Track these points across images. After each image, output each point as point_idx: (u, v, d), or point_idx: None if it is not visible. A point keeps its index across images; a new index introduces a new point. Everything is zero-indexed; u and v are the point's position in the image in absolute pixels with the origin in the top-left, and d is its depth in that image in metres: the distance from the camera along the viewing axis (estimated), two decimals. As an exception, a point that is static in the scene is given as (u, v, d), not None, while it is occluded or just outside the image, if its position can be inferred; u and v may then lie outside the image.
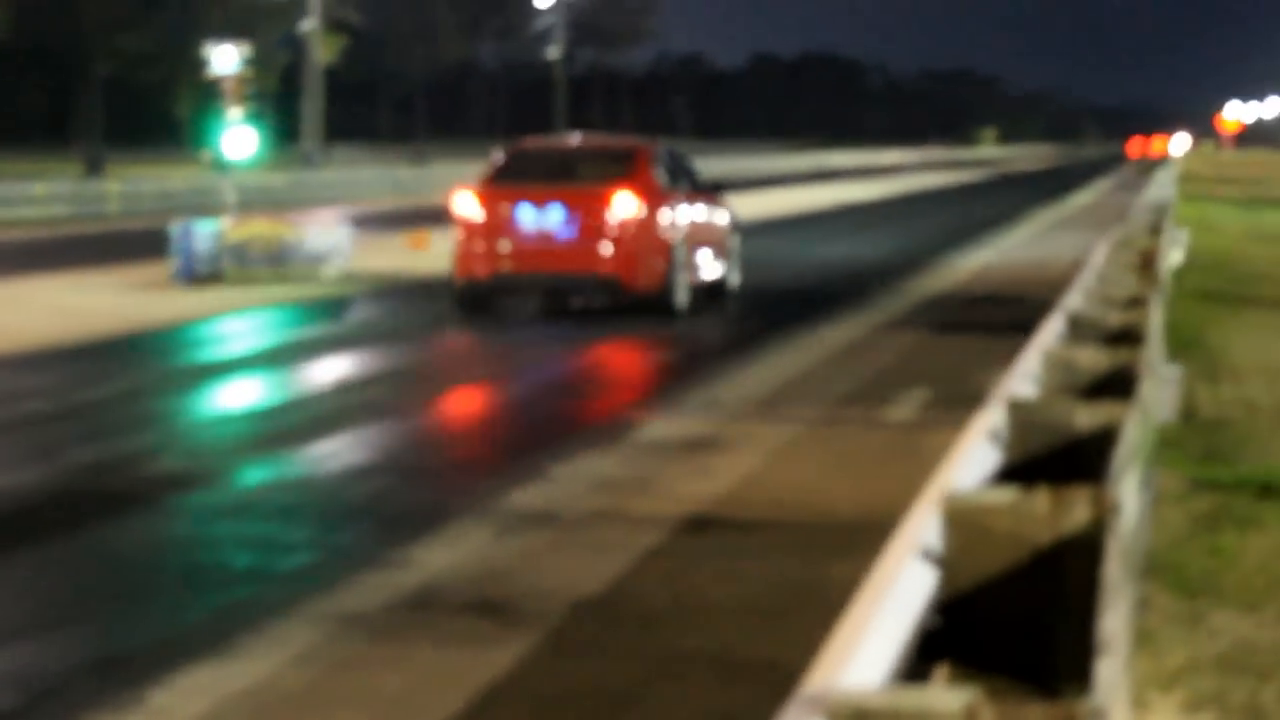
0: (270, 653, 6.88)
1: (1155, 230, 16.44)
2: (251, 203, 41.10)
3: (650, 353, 17.28)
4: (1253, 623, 6.97)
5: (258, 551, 8.71)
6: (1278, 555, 8.08)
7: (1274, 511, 8.97)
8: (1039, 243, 34.17)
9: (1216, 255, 28.77)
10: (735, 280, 22.35)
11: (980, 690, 2.45)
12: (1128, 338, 6.91)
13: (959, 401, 12.22)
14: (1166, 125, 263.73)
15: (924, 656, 3.10)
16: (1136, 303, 8.10)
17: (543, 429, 12.32)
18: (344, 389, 14.46)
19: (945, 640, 3.24)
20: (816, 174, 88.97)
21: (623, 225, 19.33)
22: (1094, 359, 5.95)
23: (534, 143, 22.41)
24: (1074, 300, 8.03)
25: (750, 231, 23.51)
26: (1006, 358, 8.19)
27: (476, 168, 76.13)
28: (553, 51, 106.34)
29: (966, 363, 15.09)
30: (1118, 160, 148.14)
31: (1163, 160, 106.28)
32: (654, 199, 19.70)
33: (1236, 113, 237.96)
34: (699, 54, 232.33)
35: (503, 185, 19.93)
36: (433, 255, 28.74)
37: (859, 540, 8.21)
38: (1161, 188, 38.03)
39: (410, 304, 21.78)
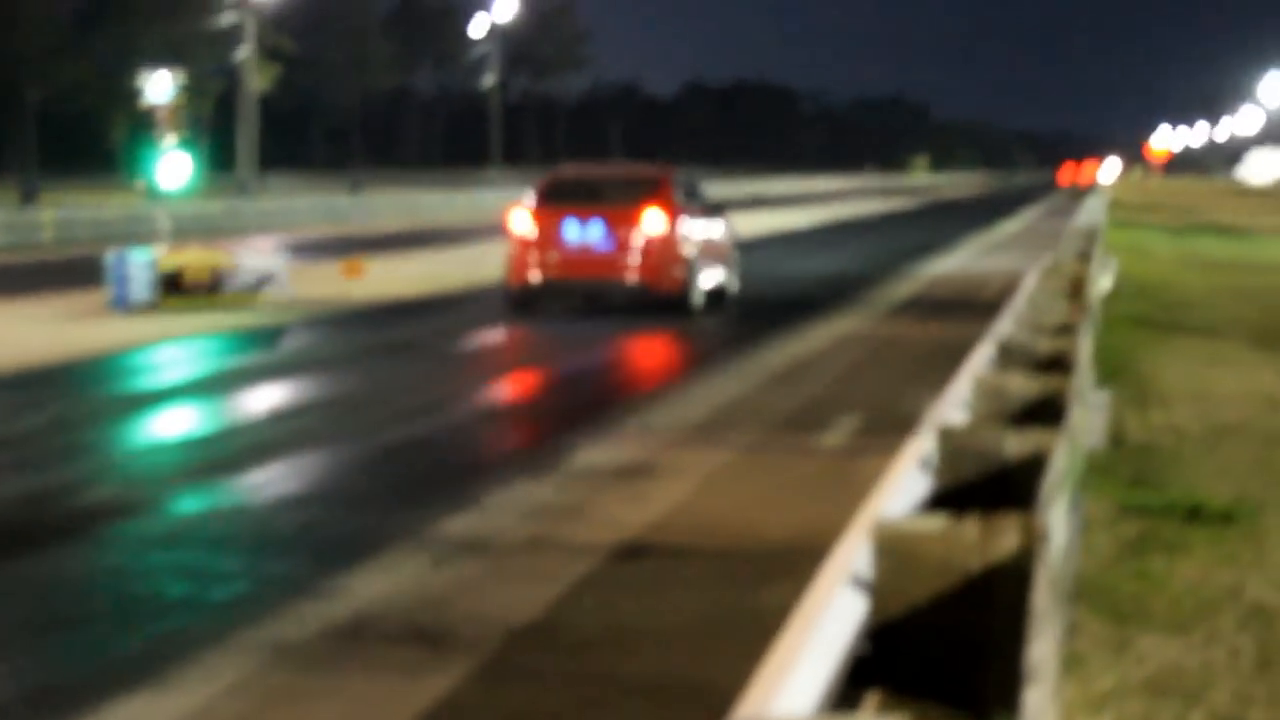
0: (204, 683, 6.86)
1: (1085, 257, 16.58)
2: (186, 231, 40.93)
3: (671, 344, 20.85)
4: (1180, 646, 7.05)
5: (191, 581, 8.68)
6: (1205, 579, 8.17)
7: (1201, 536, 9.06)
8: (977, 262, 36.77)
9: (1146, 281, 29.03)
10: (735, 286, 25.88)
11: (910, 716, 2.50)
12: (1057, 365, 6.97)
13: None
14: (1097, 152, 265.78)
15: (854, 683, 3.12)
16: (1066, 330, 8.18)
17: (477, 455, 12.33)
18: (278, 417, 14.42)
19: (876, 667, 3.27)
20: (756, 200, 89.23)
21: (651, 239, 23.10)
22: (1024, 386, 6.00)
23: (570, 170, 25.98)
24: (1004, 327, 8.10)
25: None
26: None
27: (411, 196, 75.16)
28: (488, 79, 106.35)
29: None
30: (1049, 187, 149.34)
31: (1093, 187, 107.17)
32: (675, 217, 23.34)
33: (1165, 140, 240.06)
34: (634, 82, 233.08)
35: (550, 205, 23.49)
36: (368, 283, 28.69)
37: (791, 566, 8.26)
38: (1092, 214, 38.43)
39: (345, 331, 21.74)
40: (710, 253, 24.34)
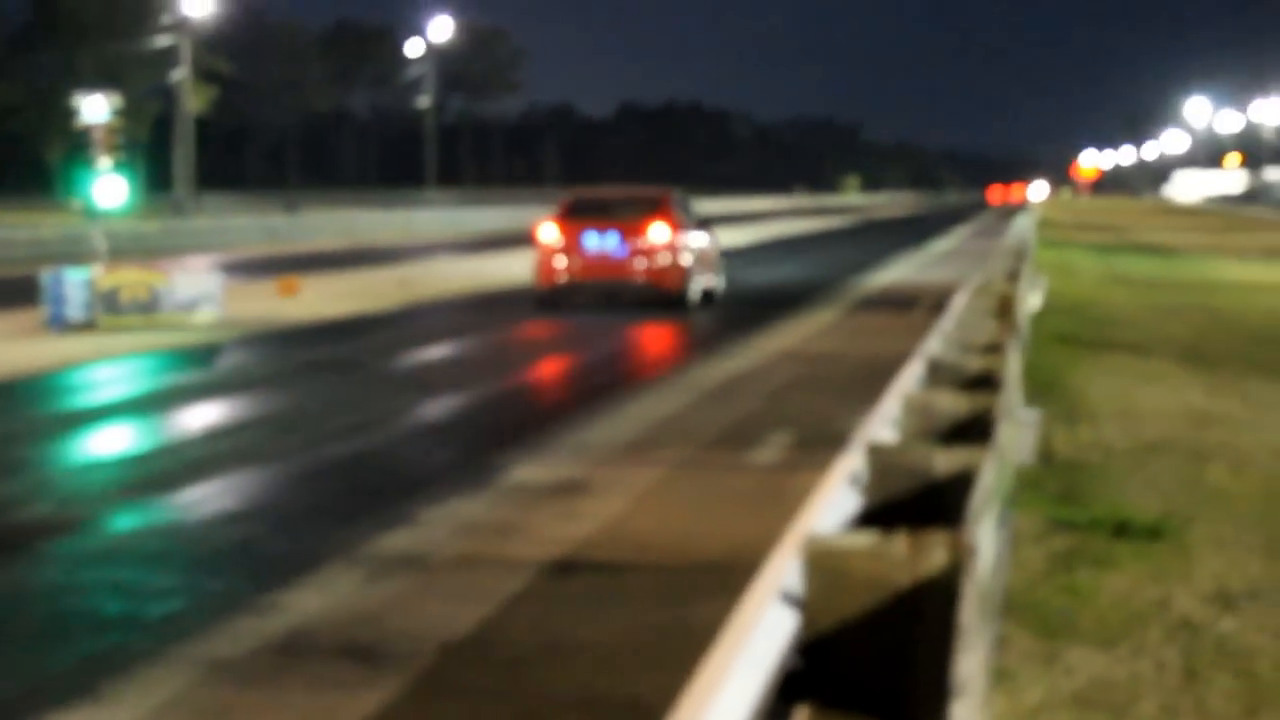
0: (140, 699, 6.87)
1: (1014, 276, 16.74)
2: (123, 251, 40.64)
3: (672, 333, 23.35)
4: (1108, 660, 7.14)
5: (128, 597, 8.67)
6: (1132, 593, 8.28)
7: (1128, 550, 9.17)
8: (915, 275, 39.06)
9: (1074, 299, 29.25)
10: (722, 288, 30.42)
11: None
12: (986, 383, 7.06)
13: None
14: (1026, 173, 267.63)
15: (785, 697, 3.18)
16: (995, 348, 8.28)
17: (412, 471, 12.33)
18: (214, 435, 14.39)
19: (806, 681, 3.33)
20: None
21: (657, 247, 27.41)
22: (953, 404, 6.07)
23: (587, 191, 30.61)
24: (933, 345, 8.19)
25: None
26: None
27: (347, 215, 74.75)
28: (423, 100, 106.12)
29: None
30: (977, 207, 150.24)
31: (1023, 206, 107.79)
32: (677, 229, 27.67)
33: (1093, 161, 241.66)
34: (569, 104, 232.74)
35: (572, 218, 27.81)
36: (303, 301, 28.63)
37: (724, 582, 8.32)
38: (1021, 233, 38.80)
39: (280, 349, 21.68)
40: (703, 260, 28.63)
